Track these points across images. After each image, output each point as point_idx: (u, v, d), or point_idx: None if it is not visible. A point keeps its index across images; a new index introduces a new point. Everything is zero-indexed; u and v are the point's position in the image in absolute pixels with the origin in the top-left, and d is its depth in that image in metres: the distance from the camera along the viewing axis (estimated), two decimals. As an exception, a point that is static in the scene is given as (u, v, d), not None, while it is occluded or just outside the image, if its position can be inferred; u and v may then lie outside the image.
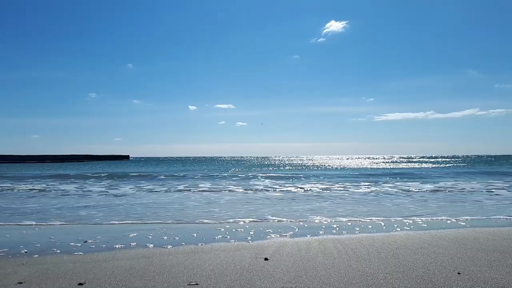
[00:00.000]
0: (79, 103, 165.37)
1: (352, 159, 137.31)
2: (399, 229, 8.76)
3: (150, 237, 8.07)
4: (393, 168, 48.90)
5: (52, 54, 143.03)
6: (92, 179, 29.17)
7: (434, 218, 10.45)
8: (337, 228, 8.88)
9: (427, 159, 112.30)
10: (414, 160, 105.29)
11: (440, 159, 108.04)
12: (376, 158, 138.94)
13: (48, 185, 23.88)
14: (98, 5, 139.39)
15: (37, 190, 20.38)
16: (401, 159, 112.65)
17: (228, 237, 7.98)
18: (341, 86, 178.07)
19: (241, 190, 19.60)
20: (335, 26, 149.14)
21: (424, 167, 52.84)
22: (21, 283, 4.97)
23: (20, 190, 20.56)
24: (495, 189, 19.60)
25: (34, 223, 10.16)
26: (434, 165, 60.07)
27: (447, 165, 61.40)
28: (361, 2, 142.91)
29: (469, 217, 10.51)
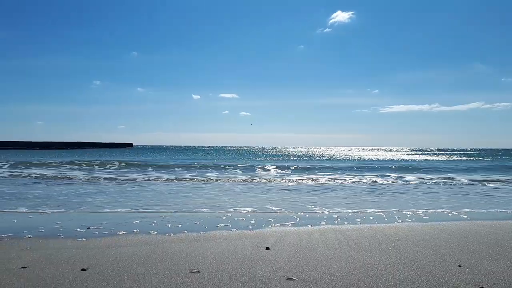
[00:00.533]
0: (84, 90, 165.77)
1: (358, 150, 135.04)
2: (400, 221, 8.77)
3: (153, 224, 8.12)
4: (400, 160, 48.67)
5: (57, 42, 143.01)
6: (99, 167, 29.30)
7: (436, 210, 10.45)
8: (339, 219, 8.90)
9: (433, 152, 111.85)
10: (420, 152, 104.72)
11: (447, 152, 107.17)
12: (386, 150, 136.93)
13: (56, 171, 24.08)
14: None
15: (42, 176, 20.53)
16: (408, 152, 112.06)
17: (230, 225, 8.03)
18: (346, 77, 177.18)
19: (248, 180, 19.61)
20: (341, 16, 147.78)
21: (430, 160, 52.68)
22: (25, 267, 5.03)
23: (22, 177, 20.72)
24: (501, 182, 19.54)
25: (39, 210, 10.25)
26: (441, 158, 59.87)
27: (454, 158, 61.19)
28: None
29: (471, 210, 10.50)
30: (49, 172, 23.01)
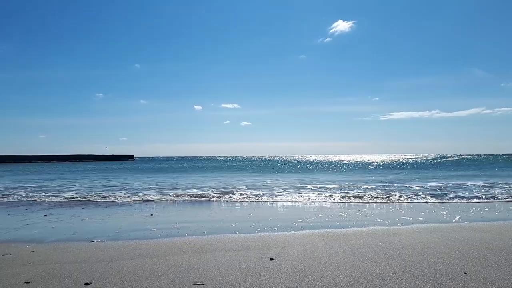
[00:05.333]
0: (86, 103, 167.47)
1: (375, 159, 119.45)
2: (404, 228, 8.70)
3: (159, 236, 8.08)
4: (417, 169, 47.58)
5: (60, 55, 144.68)
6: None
7: (440, 217, 10.38)
8: (343, 229, 8.84)
9: (440, 159, 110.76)
10: (429, 158, 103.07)
11: (453, 158, 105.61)
12: (403, 159, 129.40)
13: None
14: (106, 6, 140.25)
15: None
16: (418, 158, 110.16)
17: (234, 236, 7.97)
18: (347, 85, 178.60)
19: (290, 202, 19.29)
20: (342, 25, 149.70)
21: (436, 166, 52.47)
22: (28, 282, 5.00)
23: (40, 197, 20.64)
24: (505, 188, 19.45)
25: (42, 221, 10.22)
26: (447, 163, 59.54)
27: (455, 160, 60.88)
28: (368, 2, 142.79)
29: (476, 216, 10.43)
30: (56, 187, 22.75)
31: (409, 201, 14.64)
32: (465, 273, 5.14)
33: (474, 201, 14.47)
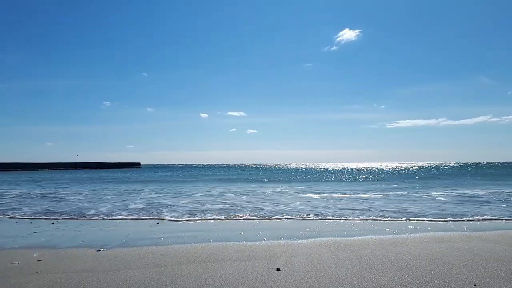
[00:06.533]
0: (94, 111, 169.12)
1: (388, 167, 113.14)
2: (412, 238, 8.62)
3: (165, 245, 8.07)
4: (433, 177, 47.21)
5: (68, 63, 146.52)
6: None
7: (449, 227, 10.28)
8: (350, 239, 8.78)
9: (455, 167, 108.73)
10: (443, 166, 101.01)
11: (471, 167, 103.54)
12: (420, 167, 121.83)
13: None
14: (114, 15, 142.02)
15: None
16: (428, 166, 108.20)
17: (241, 245, 7.95)
18: (353, 93, 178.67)
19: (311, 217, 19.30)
20: (348, 34, 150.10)
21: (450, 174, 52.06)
22: (36, 292, 5.01)
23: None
24: None
25: (49, 229, 10.26)
26: (459, 172, 59.11)
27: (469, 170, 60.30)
28: (375, 11, 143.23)
29: (483, 226, 10.31)
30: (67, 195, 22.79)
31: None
32: (475, 285, 5.08)
33: None
